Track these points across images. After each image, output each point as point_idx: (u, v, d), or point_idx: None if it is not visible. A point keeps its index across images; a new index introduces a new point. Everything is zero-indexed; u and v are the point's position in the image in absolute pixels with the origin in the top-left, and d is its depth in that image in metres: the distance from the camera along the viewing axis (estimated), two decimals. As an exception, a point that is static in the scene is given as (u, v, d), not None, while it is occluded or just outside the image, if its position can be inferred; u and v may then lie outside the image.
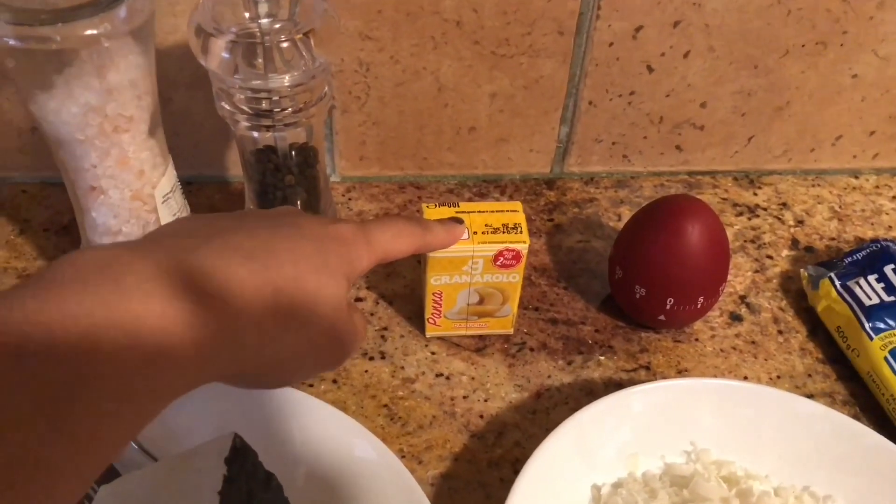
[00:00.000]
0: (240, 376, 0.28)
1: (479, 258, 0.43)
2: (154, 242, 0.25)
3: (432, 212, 0.44)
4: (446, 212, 0.44)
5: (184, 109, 0.55)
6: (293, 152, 0.43)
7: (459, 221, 0.43)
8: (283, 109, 0.41)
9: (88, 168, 0.39)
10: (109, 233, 0.42)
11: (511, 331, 0.49)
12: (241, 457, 0.32)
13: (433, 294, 0.45)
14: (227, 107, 0.41)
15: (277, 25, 0.39)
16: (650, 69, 0.56)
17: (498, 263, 0.44)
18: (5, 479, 0.18)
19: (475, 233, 0.43)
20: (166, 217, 0.43)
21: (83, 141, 0.38)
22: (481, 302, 0.46)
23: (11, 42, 0.34)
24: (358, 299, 0.51)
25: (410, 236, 0.36)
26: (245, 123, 0.41)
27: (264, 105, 0.41)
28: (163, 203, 0.43)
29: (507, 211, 0.45)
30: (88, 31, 0.34)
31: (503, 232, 0.43)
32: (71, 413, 0.20)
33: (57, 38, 0.33)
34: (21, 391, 0.19)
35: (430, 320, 0.47)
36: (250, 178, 0.45)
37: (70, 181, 0.41)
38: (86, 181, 0.40)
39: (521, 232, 0.44)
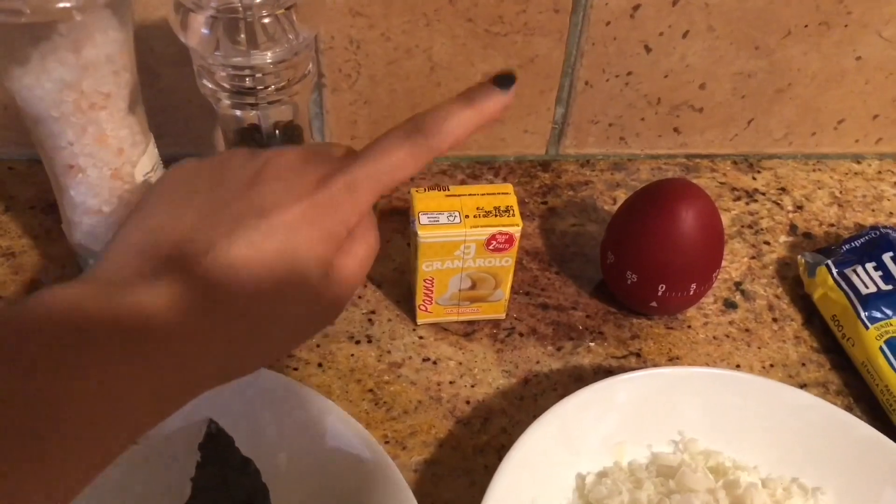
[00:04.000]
0: (223, 371, 0.27)
1: (471, 243, 0.43)
2: (119, 265, 0.26)
3: (421, 196, 0.43)
4: (436, 195, 0.44)
5: (171, 86, 0.54)
6: (277, 131, 0.42)
7: (505, 84, 0.29)
8: (267, 87, 0.40)
9: (65, 146, 0.38)
10: (90, 212, 0.42)
11: (503, 315, 0.48)
12: (214, 442, 0.32)
13: (424, 280, 0.44)
14: (208, 84, 0.40)
15: (259, 0, 0.38)
16: (648, 49, 0.55)
17: (490, 247, 0.43)
18: None
19: (466, 216, 0.42)
20: (148, 196, 0.43)
21: (58, 118, 0.37)
22: (473, 287, 0.45)
23: (-19, 15, 0.33)
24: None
25: (412, 159, 0.29)
26: (227, 102, 0.40)
27: (247, 82, 0.39)
28: (143, 182, 0.42)
29: (499, 193, 0.44)
30: (60, 4, 0.33)
31: (495, 215, 0.43)
32: (39, 452, 0.20)
33: (26, 11, 0.32)
34: None
35: (422, 307, 0.46)
36: (234, 157, 0.44)
37: (48, 159, 0.40)
38: (63, 159, 0.39)
39: (513, 214, 0.43)
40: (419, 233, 0.42)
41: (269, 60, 0.39)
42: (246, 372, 0.28)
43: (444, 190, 0.44)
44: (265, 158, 0.29)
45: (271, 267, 0.26)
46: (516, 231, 0.43)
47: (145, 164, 0.42)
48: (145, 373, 0.23)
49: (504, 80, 0.29)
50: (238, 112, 0.41)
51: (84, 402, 0.22)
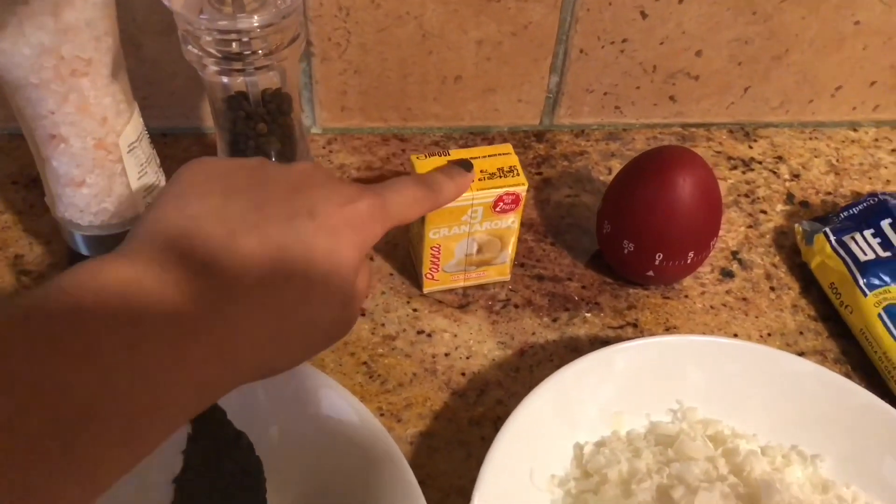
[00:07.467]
0: (259, 366, 0.28)
1: (478, 206, 0.42)
2: (153, 255, 0.25)
3: (422, 163, 0.42)
4: (437, 161, 0.42)
5: (155, 57, 0.52)
6: (265, 99, 0.41)
7: (468, 168, 0.41)
8: (254, 52, 0.39)
9: (46, 114, 0.37)
10: (73, 183, 0.40)
11: (508, 277, 0.48)
12: (206, 415, 0.31)
13: (431, 248, 0.44)
14: (194, 50, 0.39)
15: (245, -39, 0.37)
16: (644, 15, 0.53)
17: (497, 209, 0.42)
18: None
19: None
20: (132, 167, 0.41)
21: (38, 85, 0.36)
22: (479, 251, 0.45)
23: (-45, -24, 0.31)
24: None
25: (423, 201, 0.36)
26: (214, 68, 0.39)
27: (234, 47, 0.38)
28: (128, 152, 0.41)
29: (500, 154, 0.43)
30: (37, -35, 0.31)
31: (500, 176, 0.42)
32: (75, 448, 0.20)
33: (2, -28, 0.30)
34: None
35: (428, 275, 0.46)
36: (221, 127, 0.43)
37: (28, 129, 0.39)
38: (44, 129, 0.38)
39: (518, 174, 0.42)
40: None
41: (255, 24, 0.37)
42: (281, 369, 0.29)
43: (445, 155, 0.43)
44: (300, 168, 0.31)
45: (318, 262, 0.28)
46: (522, 190, 0.42)
47: (130, 133, 0.41)
48: (184, 365, 0.23)
49: (467, 165, 0.41)
50: (225, 79, 0.40)
51: (124, 393, 0.22)
